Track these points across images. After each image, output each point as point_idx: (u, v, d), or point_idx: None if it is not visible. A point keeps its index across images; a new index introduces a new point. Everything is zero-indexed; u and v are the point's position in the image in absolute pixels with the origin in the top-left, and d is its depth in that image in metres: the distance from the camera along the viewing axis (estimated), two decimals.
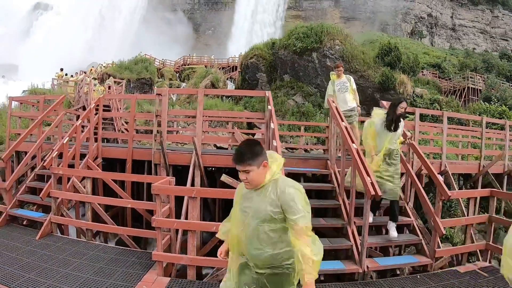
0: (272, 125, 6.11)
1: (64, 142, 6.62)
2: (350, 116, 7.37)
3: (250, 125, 16.04)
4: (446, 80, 33.54)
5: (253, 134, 12.15)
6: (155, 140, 6.98)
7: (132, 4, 67.35)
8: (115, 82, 17.06)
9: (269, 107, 6.80)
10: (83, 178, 6.77)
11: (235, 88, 24.44)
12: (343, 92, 7.48)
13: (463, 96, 29.44)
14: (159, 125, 7.04)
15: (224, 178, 6.25)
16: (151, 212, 6.47)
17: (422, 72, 31.77)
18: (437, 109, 20.91)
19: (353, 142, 5.48)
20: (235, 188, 6.45)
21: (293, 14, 56.59)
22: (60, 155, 6.95)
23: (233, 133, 8.10)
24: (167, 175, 6.81)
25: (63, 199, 6.53)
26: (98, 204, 6.60)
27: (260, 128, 15.70)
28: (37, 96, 13.06)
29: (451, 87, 31.40)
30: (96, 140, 8.05)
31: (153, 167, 7.13)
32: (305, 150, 12.43)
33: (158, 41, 54.10)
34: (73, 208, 7.37)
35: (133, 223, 7.71)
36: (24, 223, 7.11)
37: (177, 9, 63.11)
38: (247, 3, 59.00)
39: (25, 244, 5.73)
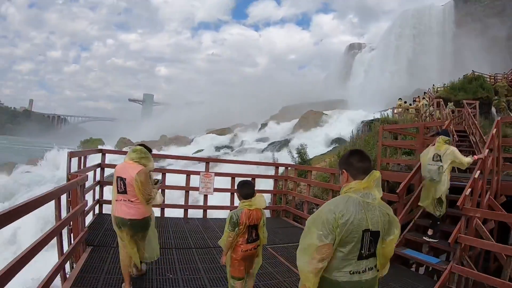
0: None
1: (476, 176, 5.35)
2: None
3: None
4: None
5: None
6: None
7: (439, 23, 63.86)
8: (468, 104, 14.99)
9: None
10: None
11: None
12: None
13: None
14: None
15: None
16: None
17: None
18: None
19: None
20: None
21: None
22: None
23: None
24: None
25: (466, 245, 5.27)
26: None
27: None
28: (406, 124, 12.99)
29: None
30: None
31: None
32: None
33: (477, 55, 48.05)
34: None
35: None
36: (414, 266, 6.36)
37: (488, 14, 55.04)
38: None
39: None
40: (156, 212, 7.61)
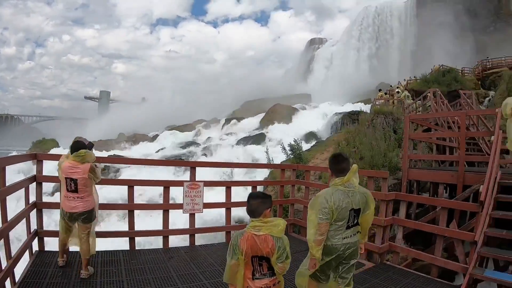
0: None
1: None
2: None
3: None
4: None
5: None
6: None
7: (402, 17, 65.60)
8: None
9: None
10: None
11: None
12: None
13: None
14: None
15: None
16: None
17: None
18: None
19: None
20: None
21: None
22: None
23: None
24: None
25: None
26: None
27: None
28: (444, 113, 12.04)
29: None
30: None
31: None
32: None
33: (441, 47, 49.26)
34: None
35: None
36: None
37: (449, 11, 57.11)
38: None
39: None
40: (125, 244, 5.42)
